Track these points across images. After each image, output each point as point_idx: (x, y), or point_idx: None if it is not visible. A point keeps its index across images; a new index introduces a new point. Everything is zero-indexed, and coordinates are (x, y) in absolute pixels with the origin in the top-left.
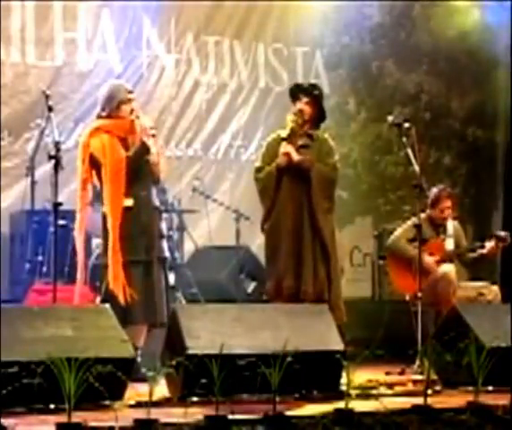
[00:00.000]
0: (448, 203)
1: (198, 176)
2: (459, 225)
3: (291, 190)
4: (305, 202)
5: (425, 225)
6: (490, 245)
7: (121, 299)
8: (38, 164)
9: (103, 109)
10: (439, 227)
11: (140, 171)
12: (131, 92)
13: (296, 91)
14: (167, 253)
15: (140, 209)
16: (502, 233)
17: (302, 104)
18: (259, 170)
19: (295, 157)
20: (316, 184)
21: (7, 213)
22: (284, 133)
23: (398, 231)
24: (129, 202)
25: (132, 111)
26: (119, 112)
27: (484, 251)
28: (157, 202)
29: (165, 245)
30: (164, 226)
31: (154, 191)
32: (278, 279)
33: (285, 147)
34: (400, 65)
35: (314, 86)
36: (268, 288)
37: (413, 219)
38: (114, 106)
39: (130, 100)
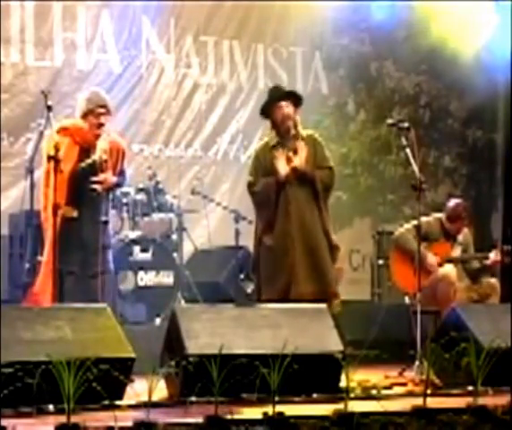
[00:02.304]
0: (466, 221)
1: (197, 176)
2: (469, 234)
3: (295, 198)
4: (313, 206)
5: (437, 228)
6: (494, 256)
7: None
8: (38, 165)
9: (79, 115)
10: (450, 235)
11: (88, 184)
12: (103, 107)
13: (270, 103)
14: (111, 265)
15: (83, 221)
16: (508, 247)
17: (284, 108)
18: (253, 184)
19: (300, 168)
20: (320, 190)
21: (7, 214)
22: (272, 141)
23: (406, 226)
24: (74, 213)
25: (98, 126)
26: (85, 120)
27: (489, 262)
28: (104, 217)
29: (108, 256)
30: (107, 237)
31: (104, 203)
32: (281, 288)
33: (285, 158)
34: (399, 66)
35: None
36: (276, 292)
37: (423, 219)
38: (81, 114)
39: (99, 115)
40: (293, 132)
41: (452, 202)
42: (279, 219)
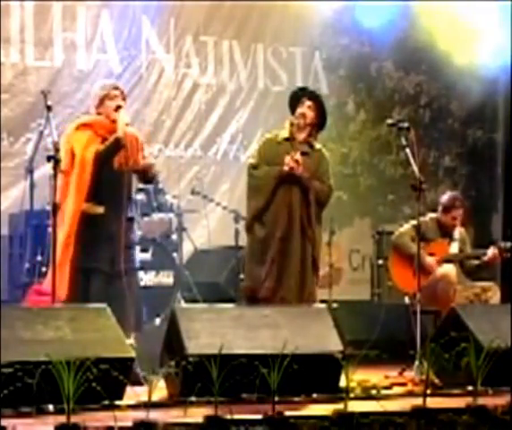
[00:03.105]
0: (460, 211)
1: (197, 176)
2: (466, 232)
3: (285, 197)
4: (299, 211)
5: (433, 227)
6: (492, 252)
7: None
8: (37, 165)
9: (94, 107)
10: (446, 231)
11: (113, 176)
12: (116, 89)
13: (300, 94)
14: (137, 264)
15: (109, 218)
16: (506, 244)
17: (305, 107)
18: (255, 167)
19: (299, 170)
20: (312, 198)
21: (7, 214)
22: (284, 134)
23: (404, 227)
24: (99, 210)
25: (117, 108)
26: (102, 108)
27: (486, 258)
28: (130, 213)
29: (135, 254)
30: (135, 235)
31: (130, 200)
32: (259, 280)
33: (292, 156)
34: (399, 66)
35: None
36: (245, 287)
37: (420, 219)
38: (97, 102)
39: (115, 96)
40: (304, 136)
41: (447, 194)
42: (270, 211)
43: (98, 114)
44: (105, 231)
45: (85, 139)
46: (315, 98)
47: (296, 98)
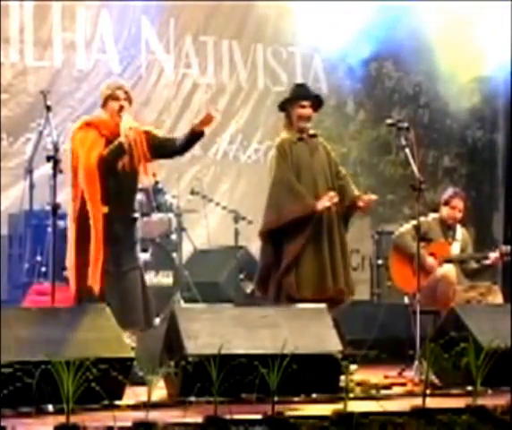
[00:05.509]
0: (461, 205)
1: (197, 176)
2: (468, 234)
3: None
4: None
5: (435, 226)
6: (494, 256)
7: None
8: (37, 165)
9: (100, 105)
10: (448, 229)
11: (117, 177)
12: (120, 89)
13: (303, 92)
14: (141, 261)
15: (114, 217)
16: (507, 247)
17: (308, 107)
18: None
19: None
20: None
21: (6, 214)
22: (293, 137)
23: (405, 227)
24: (104, 209)
25: (120, 109)
26: (106, 108)
27: (488, 262)
28: (135, 213)
29: (138, 252)
30: (138, 234)
31: (134, 199)
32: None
33: (331, 197)
34: (399, 66)
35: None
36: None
37: (422, 218)
38: (102, 101)
39: (118, 97)
40: (308, 132)
41: (449, 190)
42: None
43: (104, 113)
44: (109, 231)
45: (89, 140)
46: (305, 94)
47: (289, 103)
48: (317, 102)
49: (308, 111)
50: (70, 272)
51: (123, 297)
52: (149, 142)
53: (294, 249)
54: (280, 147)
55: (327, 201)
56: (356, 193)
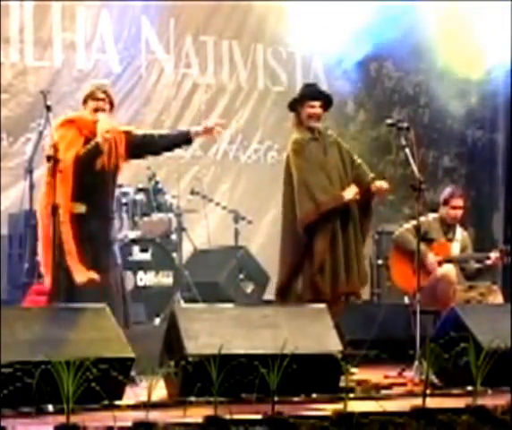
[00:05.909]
0: (460, 203)
1: (197, 176)
2: (468, 235)
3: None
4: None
5: (436, 226)
6: (495, 256)
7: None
8: (37, 165)
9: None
10: (449, 229)
11: (95, 176)
12: (99, 89)
13: (313, 92)
14: (119, 260)
15: (91, 217)
16: (507, 247)
17: (318, 107)
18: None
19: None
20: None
21: (6, 214)
22: (306, 136)
23: (407, 225)
24: (81, 209)
25: (95, 110)
26: (85, 107)
27: (489, 262)
28: (112, 213)
29: (116, 251)
30: (115, 232)
31: (112, 198)
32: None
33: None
34: (399, 66)
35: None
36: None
37: (422, 218)
38: (83, 98)
39: (96, 97)
40: (319, 130)
41: (448, 189)
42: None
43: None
44: (86, 230)
45: (68, 138)
46: (315, 94)
47: (308, 95)
48: (326, 102)
49: (318, 111)
50: (44, 269)
51: (100, 297)
52: (128, 143)
53: (324, 244)
54: (296, 144)
55: (353, 191)
56: (372, 175)
